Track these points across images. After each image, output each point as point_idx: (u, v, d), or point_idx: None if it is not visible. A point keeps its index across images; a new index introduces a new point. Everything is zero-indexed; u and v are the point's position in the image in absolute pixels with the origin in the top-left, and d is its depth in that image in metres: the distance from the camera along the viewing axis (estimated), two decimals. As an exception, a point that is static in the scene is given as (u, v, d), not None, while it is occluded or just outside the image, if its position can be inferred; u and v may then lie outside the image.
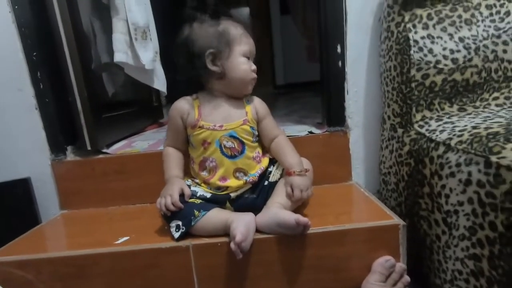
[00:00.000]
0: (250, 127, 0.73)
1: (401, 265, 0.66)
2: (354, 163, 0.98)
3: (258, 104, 0.77)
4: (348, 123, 0.97)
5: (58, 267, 0.69)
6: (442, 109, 0.77)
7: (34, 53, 0.91)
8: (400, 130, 0.82)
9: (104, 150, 0.97)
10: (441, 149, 0.66)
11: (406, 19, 0.79)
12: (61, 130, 0.96)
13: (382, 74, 0.88)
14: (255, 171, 0.72)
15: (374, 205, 0.79)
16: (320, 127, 1.01)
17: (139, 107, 1.28)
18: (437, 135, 0.70)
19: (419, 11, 0.79)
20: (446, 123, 0.73)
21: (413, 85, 0.76)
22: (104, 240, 0.73)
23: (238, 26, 0.71)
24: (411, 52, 0.76)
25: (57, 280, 0.69)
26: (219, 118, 0.71)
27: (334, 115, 0.98)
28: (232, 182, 0.70)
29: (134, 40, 1.10)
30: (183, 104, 0.73)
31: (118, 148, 1.00)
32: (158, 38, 1.23)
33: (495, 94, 0.79)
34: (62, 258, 0.69)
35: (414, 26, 0.78)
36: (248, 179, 0.71)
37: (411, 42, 0.76)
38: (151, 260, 0.68)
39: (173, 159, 0.74)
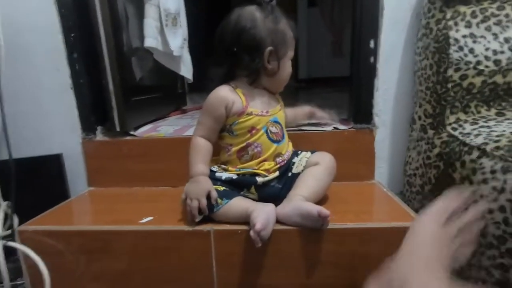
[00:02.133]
0: (283, 112, 0.78)
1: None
2: (378, 162, 0.96)
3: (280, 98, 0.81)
4: (375, 121, 0.95)
5: (85, 240, 0.72)
6: (479, 112, 0.74)
7: (72, 34, 0.94)
8: (431, 132, 0.79)
9: (132, 133, 1.00)
10: (475, 153, 0.63)
11: (448, 16, 0.75)
12: (93, 111, 1.00)
13: (416, 72, 0.85)
14: (286, 153, 0.75)
15: (396, 205, 0.77)
16: (345, 123, 0.99)
17: (164, 93, 1.31)
18: (471, 139, 0.67)
19: (462, 8, 0.75)
20: (482, 127, 0.70)
21: (449, 85, 0.73)
22: (128, 218, 0.76)
23: (291, 27, 0.72)
24: (450, 51, 0.73)
25: (84, 252, 0.72)
26: (263, 105, 0.73)
27: (361, 112, 0.96)
28: (267, 164, 0.71)
29: (164, 26, 1.11)
30: (227, 93, 0.70)
31: (145, 131, 1.03)
32: (187, 24, 1.25)
33: (538, 101, 0.74)
34: (88, 232, 0.72)
35: (456, 23, 0.74)
36: (279, 160, 0.73)
37: (451, 41, 0.73)
38: (172, 242, 0.70)
39: (203, 152, 0.71)
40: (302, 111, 0.92)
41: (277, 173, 0.72)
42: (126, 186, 0.98)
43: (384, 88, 0.93)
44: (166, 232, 0.70)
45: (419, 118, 0.83)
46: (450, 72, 0.72)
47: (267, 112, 0.71)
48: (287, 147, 0.75)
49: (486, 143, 0.62)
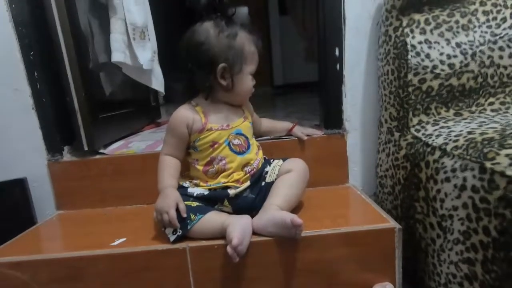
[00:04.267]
0: (249, 122, 0.78)
1: None
2: (351, 165, 0.98)
3: (248, 105, 0.82)
4: (345, 126, 0.98)
5: (54, 268, 0.69)
6: (439, 113, 0.78)
7: (31, 53, 0.90)
8: (397, 134, 0.82)
9: (101, 151, 0.96)
10: (437, 154, 0.66)
11: (404, 23, 0.79)
12: (58, 130, 0.95)
13: (379, 77, 0.89)
14: (255, 161, 0.74)
15: (370, 208, 0.79)
16: (318, 129, 1.01)
17: (137, 107, 1.28)
18: (433, 140, 0.70)
19: (416, 16, 0.79)
20: (442, 127, 0.74)
21: (410, 89, 0.77)
22: (100, 241, 0.73)
23: (252, 42, 0.71)
24: (409, 57, 0.76)
25: (53, 281, 0.69)
26: (223, 119, 0.73)
27: (332, 118, 0.98)
28: (235, 175, 0.71)
29: (132, 40, 1.10)
30: (187, 112, 0.72)
31: (115, 148, 1.00)
32: (157, 37, 1.23)
33: (491, 99, 0.79)
34: (58, 260, 0.69)
35: (411, 31, 0.78)
36: (248, 169, 0.73)
37: (409, 47, 0.77)
38: (147, 262, 0.68)
39: (170, 168, 0.72)
40: (281, 126, 0.93)
41: (248, 183, 0.72)
42: (98, 207, 0.95)
43: (351, 94, 0.96)
44: (140, 253, 0.68)
45: (386, 121, 0.86)
46: (410, 76, 0.76)
47: (227, 126, 0.73)
48: (255, 156, 0.75)
49: (446, 143, 0.66)
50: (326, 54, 0.94)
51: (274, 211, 0.66)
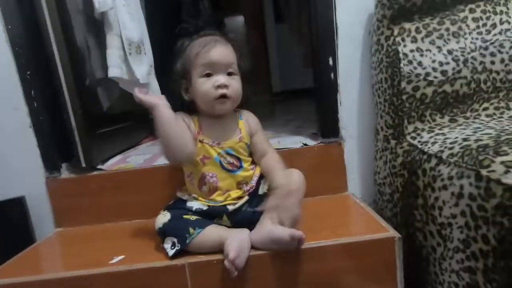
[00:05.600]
0: (245, 143, 0.74)
1: None
2: (350, 173, 0.98)
3: (250, 119, 0.77)
4: (342, 134, 0.98)
5: (53, 289, 0.68)
6: (434, 120, 0.78)
7: (28, 72, 0.91)
8: (393, 142, 0.82)
9: (99, 167, 0.97)
10: (433, 161, 0.66)
11: (395, 32, 0.80)
12: (55, 148, 0.96)
13: (374, 86, 0.89)
14: (252, 180, 0.73)
15: (369, 216, 0.79)
16: (315, 138, 1.01)
17: (135, 120, 1.29)
18: (429, 147, 0.70)
19: (407, 25, 0.80)
20: (437, 134, 0.74)
21: (404, 97, 0.77)
22: (99, 259, 0.72)
23: (204, 40, 0.69)
24: (401, 65, 0.77)
25: (52, 302, 0.68)
26: (216, 135, 0.72)
27: (328, 127, 0.99)
28: (233, 193, 0.71)
29: (128, 55, 1.11)
30: (183, 115, 0.72)
31: (113, 163, 1.00)
32: (154, 49, 1.24)
33: (485, 105, 0.80)
34: (56, 280, 0.68)
35: (403, 39, 0.79)
36: (246, 188, 0.72)
37: (401, 56, 0.77)
38: (146, 280, 0.67)
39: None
40: (276, 179, 0.70)
41: (246, 197, 0.72)
42: (97, 223, 0.94)
43: (347, 102, 0.97)
44: (138, 271, 0.67)
45: (382, 129, 0.86)
46: (403, 84, 0.77)
47: (218, 143, 0.71)
48: (251, 173, 0.74)
49: (442, 151, 0.66)
50: (320, 63, 0.95)
51: (271, 226, 0.65)
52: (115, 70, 1.06)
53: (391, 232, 0.69)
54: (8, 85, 0.91)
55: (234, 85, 0.69)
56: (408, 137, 0.78)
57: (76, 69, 0.91)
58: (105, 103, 1.13)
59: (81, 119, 0.91)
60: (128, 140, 1.21)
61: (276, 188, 0.68)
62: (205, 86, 0.67)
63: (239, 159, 0.72)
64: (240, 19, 3.04)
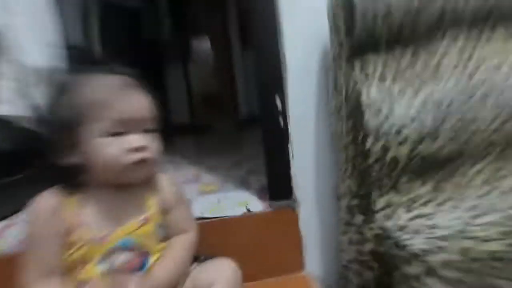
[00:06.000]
0: (156, 224, 0.50)
1: None
2: (308, 248, 0.74)
3: (167, 189, 0.54)
4: (296, 196, 0.74)
5: None
6: (412, 190, 0.56)
7: None
8: (359, 217, 0.60)
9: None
10: (417, 267, 0.44)
11: (356, 69, 0.59)
12: None
13: (333, 136, 0.68)
14: None
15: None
16: (263, 198, 0.78)
17: (38, 169, 1.00)
18: (409, 239, 0.48)
19: (372, 58, 0.60)
20: (420, 216, 0.52)
21: (370, 161, 0.55)
22: None
23: (114, 83, 0.48)
24: (366, 116, 0.55)
25: None
26: (109, 220, 0.47)
27: (278, 186, 0.75)
28: None
29: (27, 87, 0.86)
30: (52, 201, 0.46)
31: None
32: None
33: (478, 166, 0.59)
34: None
35: (366, 78, 0.58)
36: None
37: (364, 102, 0.56)
38: None
39: None
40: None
41: None
42: None
43: (301, 155, 0.74)
44: None
45: (344, 195, 0.64)
46: (369, 143, 0.55)
47: (105, 236, 0.46)
48: None
49: (431, 251, 0.43)
50: (268, 107, 0.73)
51: None
52: (6, 106, 0.81)
53: None
54: None
55: (154, 146, 0.49)
56: (378, 215, 0.55)
57: None
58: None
59: None
60: (25, 198, 0.92)
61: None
62: (111, 149, 0.45)
63: (143, 255, 0.48)
64: (206, 42, 2.88)
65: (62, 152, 0.45)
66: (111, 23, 1.65)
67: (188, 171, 1.15)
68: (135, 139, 0.46)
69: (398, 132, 0.54)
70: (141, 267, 0.48)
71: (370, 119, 0.54)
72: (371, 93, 0.56)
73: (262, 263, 0.67)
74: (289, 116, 0.72)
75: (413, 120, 0.56)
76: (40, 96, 0.89)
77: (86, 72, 0.48)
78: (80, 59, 0.50)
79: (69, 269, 0.46)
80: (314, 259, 0.76)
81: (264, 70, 0.71)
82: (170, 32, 2.58)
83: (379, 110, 0.55)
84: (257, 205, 0.76)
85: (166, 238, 0.53)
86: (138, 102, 0.47)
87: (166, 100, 2.27)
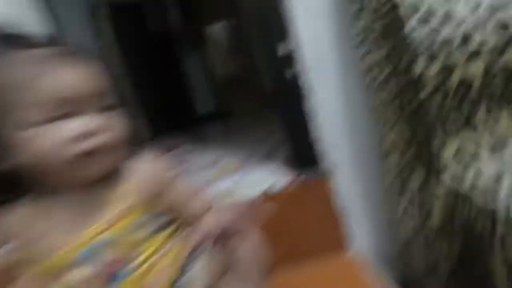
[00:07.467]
0: (143, 215, 0.39)
1: None
2: (351, 222, 0.60)
3: (148, 171, 0.41)
4: (325, 163, 0.59)
5: None
6: (494, 125, 0.38)
7: None
8: (416, 176, 0.43)
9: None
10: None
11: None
12: None
13: (366, 72, 0.50)
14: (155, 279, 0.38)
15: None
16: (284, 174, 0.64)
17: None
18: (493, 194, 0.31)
19: None
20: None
21: (425, 93, 0.37)
22: None
23: (43, 55, 0.35)
24: (406, 27, 0.37)
25: None
26: (70, 225, 0.36)
27: (304, 154, 0.61)
28: None
29: None
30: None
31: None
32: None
33: None
34: None
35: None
36: None
37: (402, 7, 0.38)
38: None
39: None
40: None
41: None
42: None
43: (326, 109, 0.58)
44: None
45: (390, 153, 0.47)
46: (420, 65, 0.37)
47: (74, 238, 0.35)
48: (154, 268, 0.38)
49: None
50: (271, 52, 0.57)
51: None
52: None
53: None
54: None
55: (114, 127, 0.36)
56: (446, 166, 0.38)
57: None
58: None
59: None
60: None
61: None
62: (45, 141, 0.34)
63: (126, 254, 0.37)
64: (221, 27, 2.73)
65: None
66: (119, 20, 1.58)
67: (212, 154, 1.08)
68: (79, 123, 0.33)
69: (465, 39, 0.36)
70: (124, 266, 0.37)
71: (415, 28, 0.36)
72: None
73: (295, 243, 0.58)
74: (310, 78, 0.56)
75: (484, 19, 0.37)
76: None
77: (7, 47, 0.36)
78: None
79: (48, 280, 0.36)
80: (361, 235, 0.61)
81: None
82: (180, 21, 2.48)
83: (427, 13, 0.37)
84: (281, 181, 0.62)
85: (184, 225, 0.43)
86: (75, 76, 0.34)
87: (188, 90, 2.15)
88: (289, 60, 0.58)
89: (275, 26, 0.58)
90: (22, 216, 0.36)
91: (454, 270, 0.41)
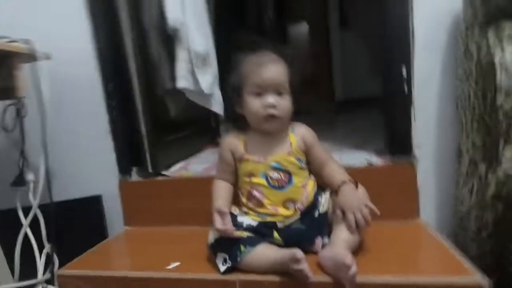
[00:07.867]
0: (297, 158, 0.72)
1: None
2: (423, 199, 0.85)
3: (304, 132, 0.75)
4: (415, 153, 0.86)
5: (111, 285, 0.74)
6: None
7: (110, 84, 1.02)
8: (482, 167, 0.69)
9: (163, 172, 1.02)
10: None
11: (491, 35, 0.67)
12: (128, 153, 1.05)
13: (458, 99, 0.77)
14: (302, 198, 0.70)
15: (447, 253, 0.67)
16: (382, 155, 0.91)
17: (198, 128, 1.35)
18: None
19: (508, 25, 0.66)
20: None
21: (500, 114, 0.64)
22: (158, 262, 0.75)
23: (257, 59, 0.70)
24: (498, 76, 0.64)
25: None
26: (263, 151, 0.72)
27: (399, 144, 0.88)
28: (281, 211, 0.70)
29: (195, 67, 1.16)
30: (231, 139, 0.76)
31: (176, 170, 1.05)
32: (219, 61, 1.29)
33: None
34: (119, 278, 0.74)
35: (500, 42, 0.66)
36: (297, 206, 0.70)
37: (497, 64, 0.64)
38: (198, 291, 0.68)
39: (220, 191, 0.75)
40: (335, 180, 0.70)
41: (298, 215, 0.70)
42: (159, 226, 1.00)
43: (422, 117, 0.85)
44: (192, 281, 0.69)
45: (467, 150, 0.73)
46: (500, 100, 0.63)
47: (264, 159, 0.71)
48: (301, 191, 0.71)
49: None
50: (392, 72, 0.85)
51: (341, 249, 0.60)
52: (182, 81, 1.12)
53: (477, 277, 0.57)
54: (92, 95, 1.03)
55: (283, 105, 0.70)
56: (504, 165, 0.64)
57: (148, 83, 0.99)
58: (172, 110, 1.20)
59: (150, 128, 0.98)
60: (191, 147, 1.27)
61: (340, 187, 0.67)
62: (254, 105, 0.70)
63: (288, 174, 0.70)
64: (303, 27, 3.00)
65: (235, 106, 0.73)
66: (223, 13, 1.82)
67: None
68: (268, 98, 0.68)
69: (531, 90, 0.61)
70: (287, 183, 0.70)
71: (503, 79, 0.63)
72: (506, 55, 0.64)
73: (381, 207, 0.70)
74: (413, 81, 0.83)
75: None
76: (204, 72, 1.20)
77: (245, 53, 0.73)
78: (241, 42, 0.77)
79: (243, 177, 0.73)
80: (430, 210, 0.87)
81: (393, 41, 0.84)
82: (270, 21, 2.80)
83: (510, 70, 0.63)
84: (377, 161, 0.90)
85: (315, 171, 0.74)
86: (271, 71, 0.69)
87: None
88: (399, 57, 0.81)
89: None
90: (242, 140, 0.74)
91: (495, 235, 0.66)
